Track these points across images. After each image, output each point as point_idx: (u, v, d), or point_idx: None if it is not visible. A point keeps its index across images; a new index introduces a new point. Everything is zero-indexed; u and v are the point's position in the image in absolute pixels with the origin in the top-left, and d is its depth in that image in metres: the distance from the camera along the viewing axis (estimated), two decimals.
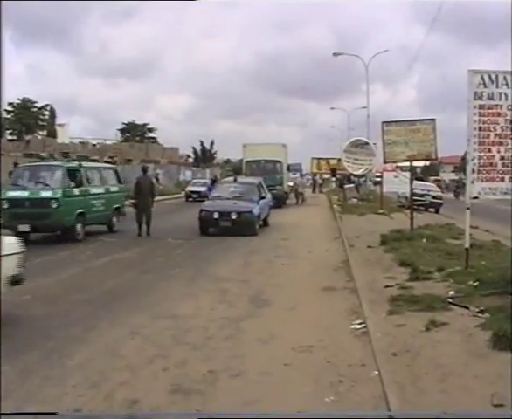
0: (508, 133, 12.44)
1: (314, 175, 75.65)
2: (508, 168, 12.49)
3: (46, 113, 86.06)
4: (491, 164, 12.48)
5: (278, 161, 42.43)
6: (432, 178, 74.27)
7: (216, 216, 22.68)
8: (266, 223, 25.81)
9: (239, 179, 28.77)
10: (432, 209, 38.03)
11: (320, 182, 74.38)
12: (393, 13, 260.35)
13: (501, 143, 12.44)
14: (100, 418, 5.86)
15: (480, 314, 9.26)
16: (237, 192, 24.83)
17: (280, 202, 38.48)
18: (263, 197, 25.34)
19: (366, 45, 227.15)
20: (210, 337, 8.84)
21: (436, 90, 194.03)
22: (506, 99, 12.43)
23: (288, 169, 46.82)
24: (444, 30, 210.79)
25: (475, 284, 11.22)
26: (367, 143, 33.77)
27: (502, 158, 12.46)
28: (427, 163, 58.31)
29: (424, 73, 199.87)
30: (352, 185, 49.83)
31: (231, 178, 29.45)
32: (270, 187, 34.47)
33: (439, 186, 52.79)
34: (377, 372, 7.09)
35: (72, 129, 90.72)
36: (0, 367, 7.11)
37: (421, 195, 35.67)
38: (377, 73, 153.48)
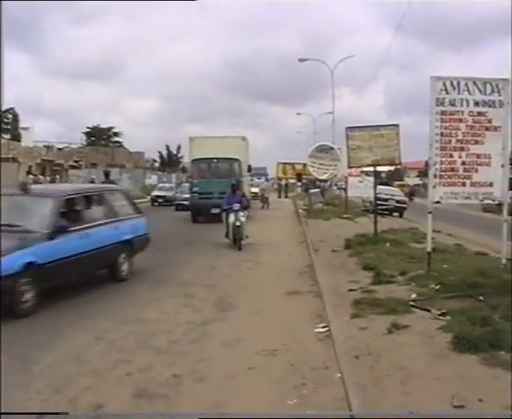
0: (470, 138, 12.65)
1: (279, 179, 75.78)
2: (470, 173, 12.70)
3: (10, 116, 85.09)
4: (453, 169, 12.67)
5: (235, 160, 32.24)
6: (397, 183, 74.97)
7: None
8: (114, 276, 13.84)
9: (36, 187, 14.77)
10: (396, 214, 38.40)
11: (283, 186, 74.35)
12: (361, 19, 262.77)
13: (462, 148, 12.64)
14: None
15: (441, 317, 9.40)
16: (12, 214, 11.78)
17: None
18: (61, 229, 11.53)
19: (334, 50, 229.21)
20: (174, 341, 8.87)
21: (402, 95, 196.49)
22: (467, 106, 12.64)
23: (249, 170, 37.14)
24: (410, 35, 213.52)
25: (437, 287, 11.38)
26: (332, 148, 34.04)
27: (464, 163, 12.66)
28: (392, 168, 58.82)
29: (390, 79, 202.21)
30: (317, 190, 49.94)
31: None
32: (224, 195, 23.81)
33: (409, 192, 53.48)
34: (339, 374, 7.17)
35: (36, 132, 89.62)
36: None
37: (385, 200, 35.95)
38: (345, 78, 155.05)
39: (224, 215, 21.50)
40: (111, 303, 11.58)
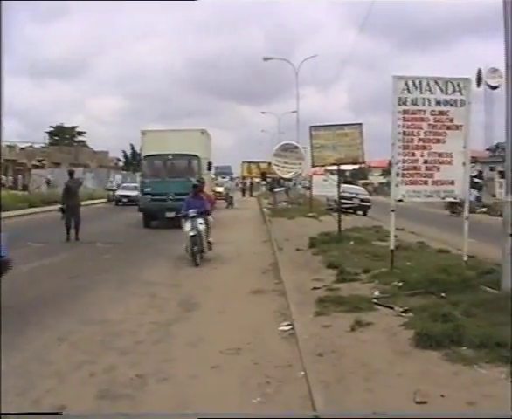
0: (431, 137, 12.80)
1: (244, 178, 75.86)
2: (431, 172, 12.85)
3: None
4: (415, 168, 12.82)
5: (193, 157, 28.59)
6: (361, 181, 75.65)
7: None
8: None
9: None
10: (360, 212, 38.62)
11: (248, 185, 74.44)
12: (326, 18, 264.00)
13: (424, 147, 12.80)
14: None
15: (403, 314, 9.50)
16: None
17: None
18: None
19: (299, 49, 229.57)
20: (138, 341, 8.82)
21: (367, 94, 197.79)
22: (429, 105, 12.80)
23: (209, 168, 32.16)
24: (375, 34, 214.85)
25: (400, 284, 11.50)
26: (296, 147, 34.09)
27: (426, 162, 12.82)
28: (356, 167, 59.27)
29: (355, 78, 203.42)
30: (282, 189, 50.08)
31: None
32: (181, 196, 22.04)
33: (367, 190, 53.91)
34: (303, 372, 7.19)
35: None
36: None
37: (350, 198, 36.19)
38: (310, 77, 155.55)
39: (183, 222, 17.65)
40: (74, 303, 11.46)
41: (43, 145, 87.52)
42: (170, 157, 28.34)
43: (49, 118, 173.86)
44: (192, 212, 17.00)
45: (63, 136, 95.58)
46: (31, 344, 8.67)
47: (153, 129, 31.30)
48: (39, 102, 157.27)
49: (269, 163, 43.01)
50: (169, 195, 26.90)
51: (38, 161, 78.06)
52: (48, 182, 57.51)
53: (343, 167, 22.35)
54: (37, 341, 8.82)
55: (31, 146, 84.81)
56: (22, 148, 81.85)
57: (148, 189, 28.13)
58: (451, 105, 12.84)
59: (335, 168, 22.08)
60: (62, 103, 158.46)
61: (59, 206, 22.59)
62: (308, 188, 42.75)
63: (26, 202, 38.93)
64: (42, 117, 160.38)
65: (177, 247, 19.77)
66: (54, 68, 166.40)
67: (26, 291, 12.43)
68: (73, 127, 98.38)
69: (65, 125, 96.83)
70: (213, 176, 55.25)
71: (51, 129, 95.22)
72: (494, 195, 52.59)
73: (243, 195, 69.71)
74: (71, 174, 23.81)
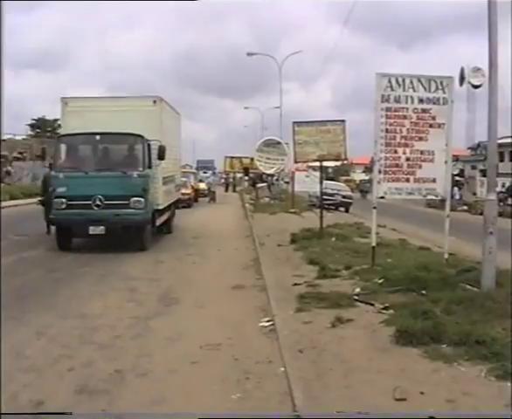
0: (414, 135, 12.83)
1: (227, 173, 75.81)
2: (413, 169, 12.88)
3: None
4: (397, 165, 12.84)
5: (137, 138, 18.08)
6: (344, 178, 75.89)
7: None
8: None
9: None
10: (342, 209, 38.73)
11: (231, 180, 74.40)
12: (311, 14, 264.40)
13: (406, 145, 12.82)
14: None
15: (384, 311, 9.52)
16: None
17: (136, 244, 18.19)
18: None
19: (284, 45, 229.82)
20: (117, 336, 8.75)
21: (350, 91, 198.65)
22: (412, 102, 12.82)
23: (161, 156, 18.75)
24: (359, 31, 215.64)
25: (380, 281, 11.52)
26: (279, 143, 34.08)
27: (408, 159, 12.85)
28: (338, 163, 59.41)
29: (339, 74, 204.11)
30: (265, 184, 50.10)
31: None
32: (113, 201, 17.35)
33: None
34: (283, 368, 7.17)
35: None
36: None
37: (331, 195, 36.32)
38: (294, 73, 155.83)
39: None
40: (52, 297, 11.37)
41: (24, 137, 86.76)
42: (99, 138, 18.37)
43: (30, 109, 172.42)
44: None
45: (45, 128, 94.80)
46: (8, 338, 8.57)
47: (80, 96, 21.37)
48: (20, 93, 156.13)
49: (252, 158, 42.96)
50: (96, 200, 17.44)
51: (20, 153, 77.37)
52: (9, 173, 57.12)
53: (326, 163, 22.38)
54: (14, 335, 8.72)
55: (11, 138, 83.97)
56: (3, 140, 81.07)
57: (62, 190, 17.72)
58: (434, 103, 12.87)
59: (317, 164, 22.10)
60: (43, 94, 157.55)
61: (39, 199, 22.36)
62: (288, 183, 42.84)
63: (7, 194, 38.64)
64: (23, 108, 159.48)
65: (157, 241, 19.68)
66: (35, 58, 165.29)
67: (5, 285, 12.29)
68: (55, 120, 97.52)
69: (47, 117, 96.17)
70: (195, 171, 54.93)
71: (33, 122, 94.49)
72: (474, 194, 52.96)
73: (226, 190, 69.64)
74: (51, 166, 23.53)
